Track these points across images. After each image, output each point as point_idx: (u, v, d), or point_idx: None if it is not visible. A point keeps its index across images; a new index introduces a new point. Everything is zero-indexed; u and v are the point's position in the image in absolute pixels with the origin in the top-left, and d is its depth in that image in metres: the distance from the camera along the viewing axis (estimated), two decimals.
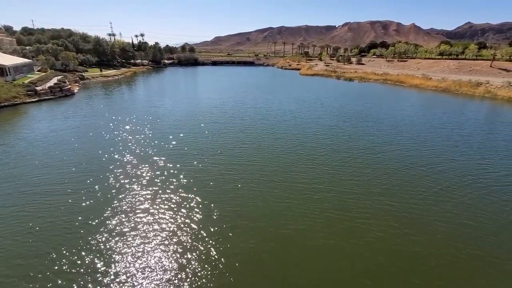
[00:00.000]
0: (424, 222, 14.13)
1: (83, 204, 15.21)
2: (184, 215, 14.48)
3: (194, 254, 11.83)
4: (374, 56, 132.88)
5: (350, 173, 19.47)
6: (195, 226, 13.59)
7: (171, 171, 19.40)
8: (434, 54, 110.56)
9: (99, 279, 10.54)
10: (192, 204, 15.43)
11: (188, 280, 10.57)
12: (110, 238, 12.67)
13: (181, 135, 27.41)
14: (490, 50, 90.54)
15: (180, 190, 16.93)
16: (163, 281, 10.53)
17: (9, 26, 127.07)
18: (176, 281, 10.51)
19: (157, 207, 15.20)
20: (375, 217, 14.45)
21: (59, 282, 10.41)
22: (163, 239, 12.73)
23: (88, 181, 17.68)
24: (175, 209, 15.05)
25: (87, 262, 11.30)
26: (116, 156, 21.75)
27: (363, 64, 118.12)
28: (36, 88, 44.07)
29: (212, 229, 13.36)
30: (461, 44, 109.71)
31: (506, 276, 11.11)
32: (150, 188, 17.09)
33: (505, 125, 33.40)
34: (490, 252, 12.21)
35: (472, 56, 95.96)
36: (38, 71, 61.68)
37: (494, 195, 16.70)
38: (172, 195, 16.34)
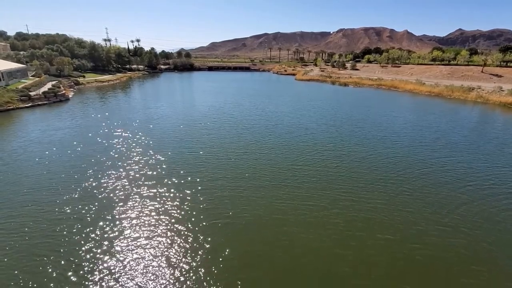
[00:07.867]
0: (420, 221, 14.24)
1: (75, 203, 14.98)
2: (178, 216, 14.32)
3: (188, 257, 11.68)
4: (368, 62, 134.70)
5: (344, 170, 19.57)
6: (190, 228, 13.43)
7: (166, 172, 19.21)
8: (427, 60, 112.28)
9: (88, 280, 10.34)
10: (186, 206, 15.26)
11: (185, 281, 10.43)
12: (99, 240, 12.45)
13: (177, 137, 27.21)
14: (481, 56, 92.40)
15: (174, 191, 16.76)
16: (160, 282, 10.39)
17: (3, 31, 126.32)
18: (169, 283, 10.38)
19: (151, 209, 14.99)
20: (375, 215, 14.52)
21: (50, 283, 10.19)
22: (156, 242, 12.54)
23: (81, 183, 17.40)
24: (168, 210, 14.87)
25: (74, 265, 11.08)
26: (109, 159, 21.46)
27: (357, 69, 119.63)
28: (30, 93, 43.61)
29: (207, 231, 13.22)
30: (453, 50, 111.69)
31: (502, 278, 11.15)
32: (144, 189, 16.88)
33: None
34: (480, 247, 12.29)
35: (463, 62, 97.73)
36: (32, 76, 61.18)
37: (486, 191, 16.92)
38: (164, 196, 16.16)
